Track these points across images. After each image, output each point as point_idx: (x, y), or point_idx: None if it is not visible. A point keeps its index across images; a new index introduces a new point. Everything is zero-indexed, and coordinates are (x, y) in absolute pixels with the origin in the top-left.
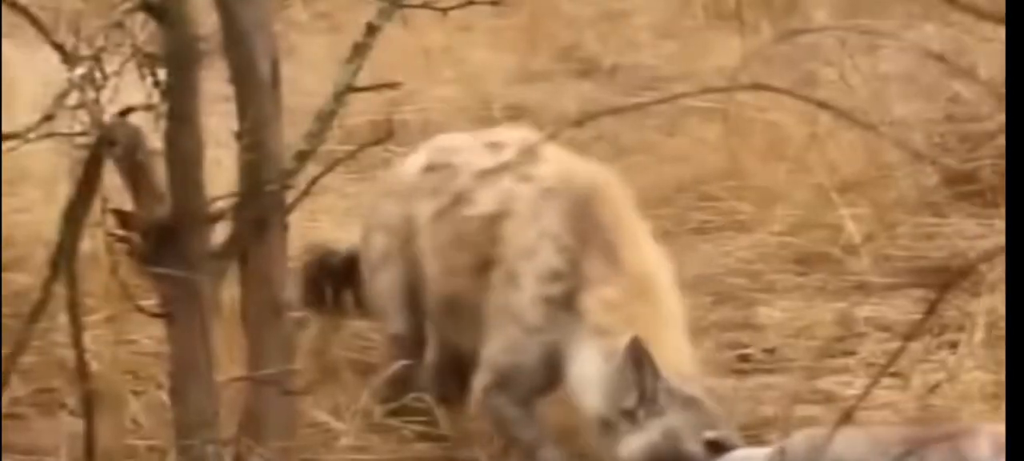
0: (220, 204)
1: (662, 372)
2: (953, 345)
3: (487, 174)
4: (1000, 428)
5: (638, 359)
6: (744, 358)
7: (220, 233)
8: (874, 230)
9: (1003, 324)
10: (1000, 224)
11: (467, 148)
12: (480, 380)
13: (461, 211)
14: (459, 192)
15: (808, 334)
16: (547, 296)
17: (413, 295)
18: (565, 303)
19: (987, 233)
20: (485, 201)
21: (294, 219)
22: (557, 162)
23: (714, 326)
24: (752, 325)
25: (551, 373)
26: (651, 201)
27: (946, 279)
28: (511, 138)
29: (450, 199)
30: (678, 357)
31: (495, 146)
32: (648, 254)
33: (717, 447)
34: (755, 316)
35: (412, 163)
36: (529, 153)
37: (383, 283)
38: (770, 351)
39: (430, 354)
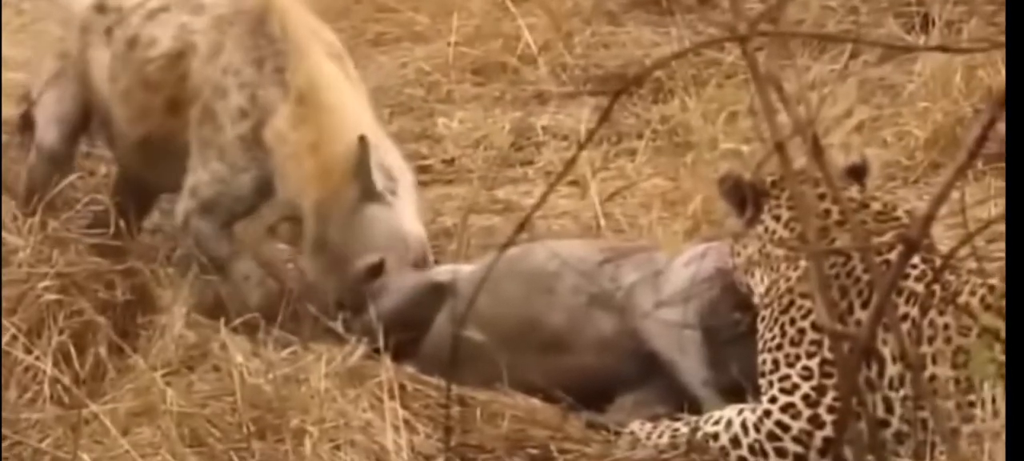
0: None
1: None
2: (632, 153)
3: (157, 12)
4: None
5: (363, 152)
6: (423, 169)
7: None
8: (551, 39)
9: (682, 131)
10: (676, 31)
11: None
12: (184, 205)
13: (140, 53)
14: (133, 36)
15: (486, 144)
16: (241, 135)
17: (74, 119)
18: (255, 139)
19: (663, 41)
20: (164, 39)
21: None
22: None
23: (393, 137)
24: (431, 136)
25: (258, 199)
26: (330, 13)
27: (619, 86)
28: None
29: (125, 44)
30: (353, 140)
31: None
32: (312, 63)
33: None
34: (433, 127)
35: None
36: None
37: (47, 100)
38: (449, 162)
39: (115, 174)
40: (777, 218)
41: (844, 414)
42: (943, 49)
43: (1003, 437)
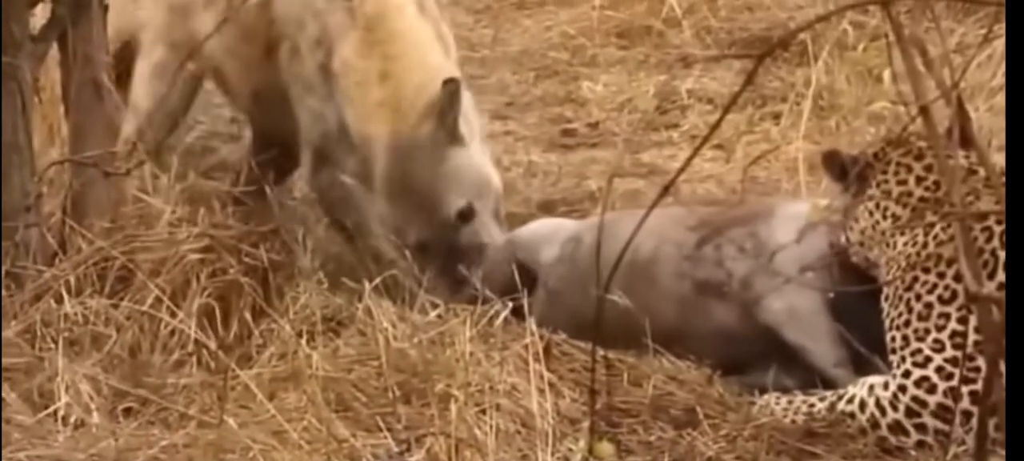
0: None
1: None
2: (776, 117)
3: None
4: (798, 205)
5: (452, 95)
6: (568, 132)
7: (40, 17)
8: (695, 2)
9: (827, 95)
10: None
11: None
12: (305, 160)
13: (235, 3)
14: None
15: (631, 107)
16: (320, 64)
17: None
18: (327, 68)
19: (807, 3)
20: None
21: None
22: None
23: (537, 101)
24: (575, 99)
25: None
26: None
27: (764, 49)
28: None
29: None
30: (425, 75)
31: None
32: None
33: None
34: (578, 90)
35: None
36: None
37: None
38: (593, 125)
39: (248, 142)
40: (887, 193)
41: (989, 382)
42: None
43: None
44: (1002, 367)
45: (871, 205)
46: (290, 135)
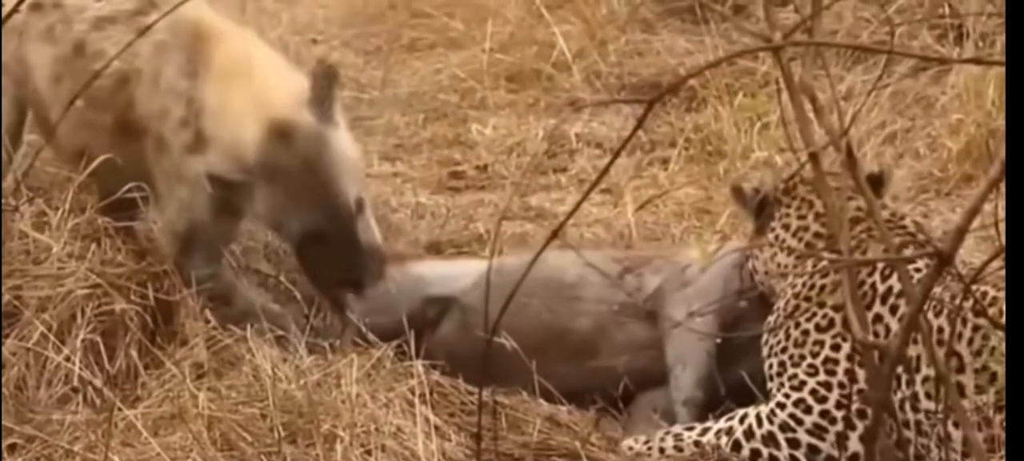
0: None
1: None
2: (665, 162)
3: (104, 22)
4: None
5: (328, 77)
6: (456, 175)
7: None
8: (585, 46)
9: (715, 141)
10: (710, 40)
11: None
12: (171, 253)
13: (87, 64)
14: (80, 42)
15: (520, 150)
16: (186, 144)
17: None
18: (198, 143)
19: (697, 49)
20: (110, 54)
21: None
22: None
23: (426, 143)
24: (464, 142)
25: (225, 219)
26: (364, 19)
27: (654, 95)
28: None
29: (72, 48)
30: (284, 73)
31: None
32: (227, 40)
33: None
34: (467, 133)
35: None
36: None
37: None
38: (482, 168)
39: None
40: (787, 227)
41: (874, 426)
42: (977, 61)
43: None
44: (885, 414)
45: (772, 238)
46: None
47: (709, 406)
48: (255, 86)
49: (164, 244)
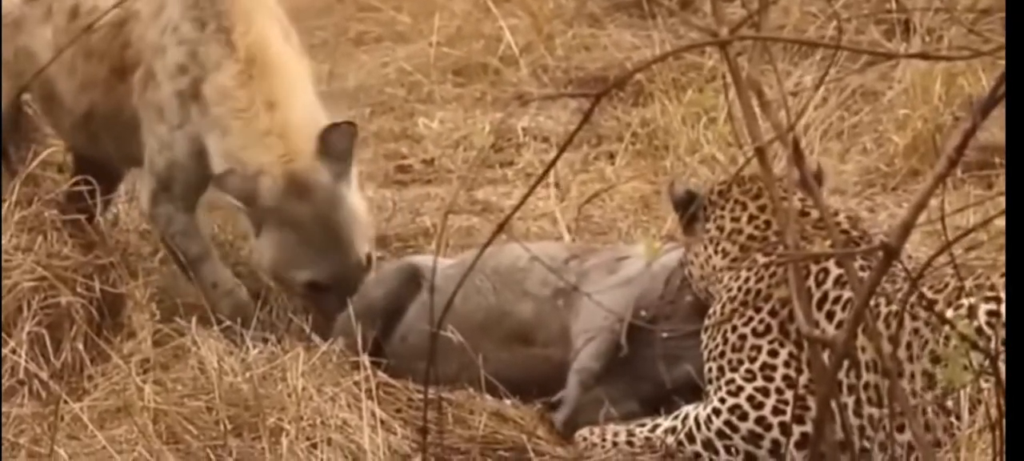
0: None
1: None
2: (611, 156)
3: None
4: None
5: (352, 137)
6: (403, 168)
7: None
8: (532, 41)
9: (661, 135)
10: (657, 35)
11: None
12: (144, 188)
13: (82, 22)
14: (74, 5)
15: (467, 144)
16: (178, 90)
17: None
18: (193, 94)
19: (644, 44)
20: (105, 6)
21: None
22: None
23: (373, 136)
24: (411, 136)
25: (202, 166)
26: (310, 12)
27: (600, 89)
28: None
29: (67, 15)
30: (308, 115)
31: None
32: (261, 28)
33: None
34: (414, 127)
35: None
36: None
37: None
38: (429, 162)
39: (72, 161)
40: (721, 229)
41: (820, 422)
42: (924, 56)
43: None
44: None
45: (707, 239)
46: (117, 161)
47: (656, 402)
48: (277, 119)
49: (143, 188)
